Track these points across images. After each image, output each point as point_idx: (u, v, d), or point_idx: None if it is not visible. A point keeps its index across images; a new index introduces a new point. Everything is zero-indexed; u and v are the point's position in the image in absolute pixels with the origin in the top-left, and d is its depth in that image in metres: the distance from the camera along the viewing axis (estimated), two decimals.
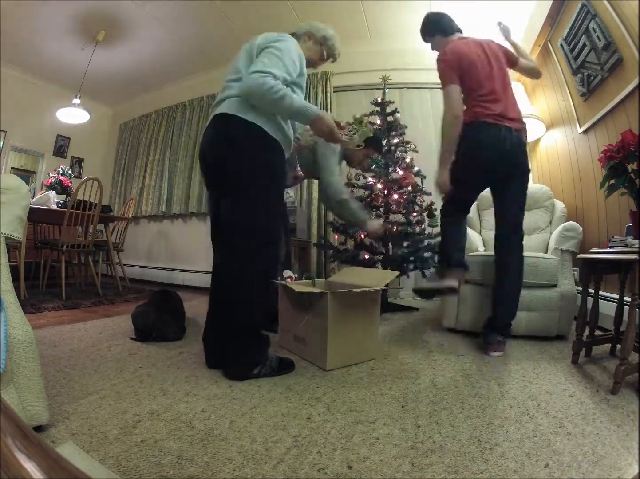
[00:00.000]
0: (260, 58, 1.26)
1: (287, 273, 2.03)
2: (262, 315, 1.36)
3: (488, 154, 1.59)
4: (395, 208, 2.66)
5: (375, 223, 2.05)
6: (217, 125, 1.32)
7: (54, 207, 3.02)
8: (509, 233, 1.67)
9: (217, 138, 1.32)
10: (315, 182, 3.61)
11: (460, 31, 1.82)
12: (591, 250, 1.40)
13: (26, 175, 4.63)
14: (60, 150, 4.80)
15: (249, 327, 1.29)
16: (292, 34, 1.47)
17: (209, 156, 1.35)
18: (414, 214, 2.65)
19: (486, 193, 1.81)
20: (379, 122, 2.80)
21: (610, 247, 1.33)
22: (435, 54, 1.79)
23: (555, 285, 1.85)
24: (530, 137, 3.02)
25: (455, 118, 1.60)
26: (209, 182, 1.45)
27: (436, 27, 1.84)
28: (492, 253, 1.78)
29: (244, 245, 1.28)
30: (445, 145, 1.65)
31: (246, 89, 1.22)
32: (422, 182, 2.75)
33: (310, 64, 1.54)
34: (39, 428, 0.85)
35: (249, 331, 1.30)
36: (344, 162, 2.16)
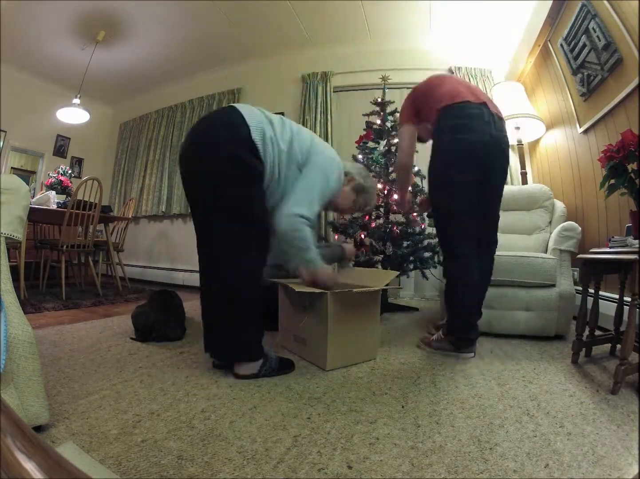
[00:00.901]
0: (300, 189, 1.29)
1: None
2: (255, 307, 1.30)
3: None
4: (395, 208, 2.66)
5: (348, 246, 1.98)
6: (220, 113, 1.34)
7: (54, 207, 3.02)
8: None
9: (212, 126, 1.31)
10: None
11: None
12: (591, 250, 1.40)
13: (26, 175, 4.63)
14: (60, 150, 4.80)
15: (240, 321, 1.26)
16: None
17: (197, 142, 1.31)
18: (414, 214, 2.65)
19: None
20: (378, 122, 2.80)
21: (610, 247, 1.33)
22: None
23: (554, 285, 1.85)
24: (530, 137, 3.03)
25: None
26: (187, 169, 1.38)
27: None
28: (497, 253, 1.78)
29: (228, 238, 1.25)
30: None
31: (282, 232, 1.28)
32: (422, 182, 2.75)
33: (333, 206, 1.57)
34: (39, 428, 0.85)
35: (242, 326, 1.27)
36: None
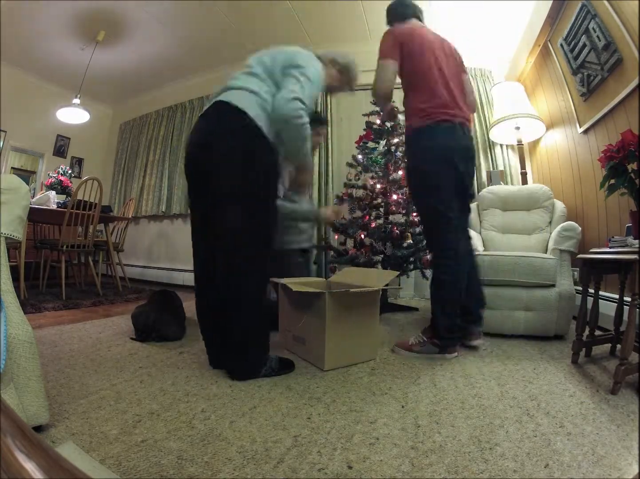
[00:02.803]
0: (290, 80, 1.26)
1: None
2: (263, 314, 1.33)
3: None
4: (394, 208, 2.66)
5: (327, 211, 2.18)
6: (216, 114, 1.28)
7: (54, 207, 3.02)
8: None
9: (214, 129, 1.28)
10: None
11: (418, 18, 1.74)
12: (591, 250, 1.40)
13: (26, 175, 4.63)
14: (60, 150, 4.80)
15: (252, 329, 1.28)
16: (317, 57, 1.46)
17: (203, 145, 1.29)
18: (414, 214, 2.65)
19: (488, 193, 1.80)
20: (378, 122, 2.80)
21: (610, 247, 1.33)
22: None
23: (553, 285, 1.85)
24: (530, 137, 3.03)
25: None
26: (196, 170, 1.34)
27: (393, 15, 1.76)
28: (493, 253, 1.78)
29: (240, 245, 1.25)
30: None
31: (282, 114, 1.23)
32: None
33: (328, 89, 1.62)
34: (39, 428, 0.85)
35: (254, 333, 1.29)
36: None
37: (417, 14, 1.73)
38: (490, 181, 3.04)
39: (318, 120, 2.22)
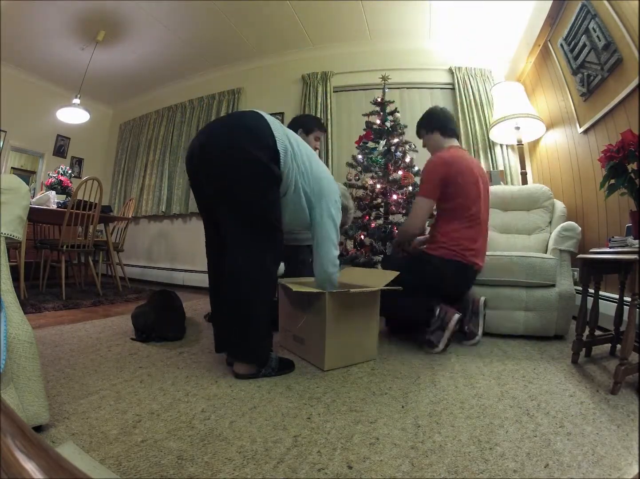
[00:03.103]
0: (331, 227, 1.40)
1: None
2: (268, 308, 1.33)
3: None
4: (394, 208, 2.66)
5: None
6: (246, 117, 1.32)
7: (54, 207, 3.02)
8: None
9: (238, 128, 1.27)
10: None
11: (457, 136, 1.87)
12: (591, 250, 1.40)
13: (26, 175, 4.63)
14: (60, 150, 4.80)
15: (259, 330, 1.28)
16: None
17: (225, 146, 1.26)
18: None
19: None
20: (378, 122, 2.80)
21: (610, 247, 1.33)
22: None
23: (553, 285, 1.85)
24: (530, 137, 3.03)
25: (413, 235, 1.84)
26: (210, 174, 1.29)
27: (441, 128, 1.84)
28: (493, 253, 1.77)
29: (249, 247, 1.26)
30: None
31: (328, 273, 1.40)
32: None
33: None
34: (39, 428, 0.85)
35: (260, 334, 1.29)
36: None
37: (458, 133, 1.88)
38: (490, 181, 3.03)
39: (319, 127, 2.21)
